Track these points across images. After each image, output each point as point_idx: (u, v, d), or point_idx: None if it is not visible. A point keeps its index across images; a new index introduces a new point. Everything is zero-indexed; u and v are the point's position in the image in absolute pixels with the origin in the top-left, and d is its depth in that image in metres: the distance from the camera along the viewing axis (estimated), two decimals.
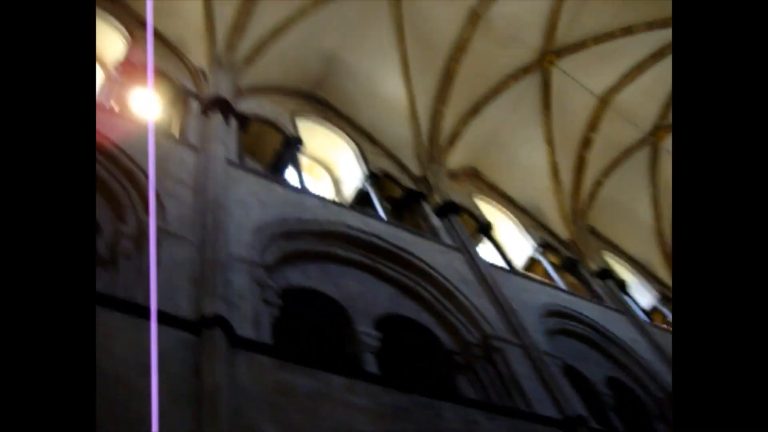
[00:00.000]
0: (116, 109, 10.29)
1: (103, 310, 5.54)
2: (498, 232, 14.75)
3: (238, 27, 12.74)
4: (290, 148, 12.51)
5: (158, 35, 12.77)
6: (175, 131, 10.69)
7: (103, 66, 12.15)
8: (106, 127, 8.57)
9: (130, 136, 8.79)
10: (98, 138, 8.25)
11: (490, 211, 15.54)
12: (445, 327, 9.44)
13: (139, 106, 11.16)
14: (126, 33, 12.35)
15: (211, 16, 12.54)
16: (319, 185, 13.59)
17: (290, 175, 11.96)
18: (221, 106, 11.01)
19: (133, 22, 12.64)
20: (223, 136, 10.31)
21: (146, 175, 8.07)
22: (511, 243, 15.09)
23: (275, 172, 11.97)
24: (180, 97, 11.69)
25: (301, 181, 11.52)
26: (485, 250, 13.26)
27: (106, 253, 7.04)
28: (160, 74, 11.89)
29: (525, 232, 15.50)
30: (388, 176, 13.85)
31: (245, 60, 12.93)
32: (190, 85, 12.06)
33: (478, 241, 13.73)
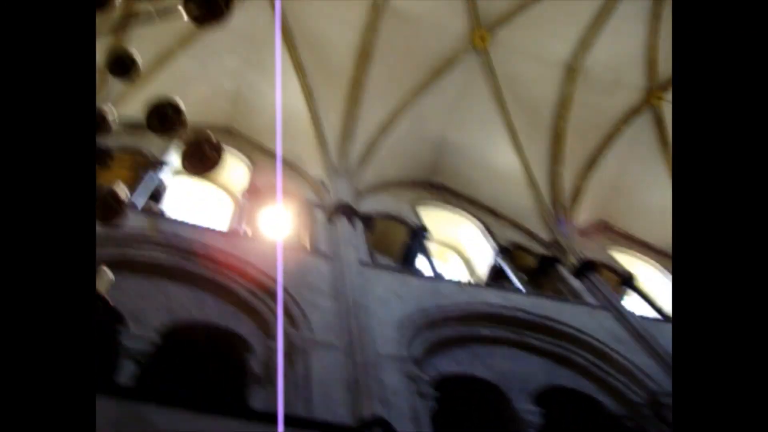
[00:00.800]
0: (249, 232, 10.99)
1: (266, 427, 5.78)
2: (641, 282, 14.10)
3: (347, 133, 13.42)
4: (417, 238, 12.74)
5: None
6: (306, 243, 11.21)
7: (231, 194, 13.07)
8: (242, 251, 9.16)
9: (266, 256, 9.32)
10: (235, 262, 8.86)
11: (629, 260, 14.92)
12: (608, 391, 9.02)
13: (269, 225, 11.83)
14: (248, 161, 13.30)
15: (320, 128, 13.33)
16: (451, 268, 13.65)
17: (421, 264, 12.13)
18: (344, 211, 11.50)
19: (253, 150, 13.65)
20: (352, 239, 10.72)
21: (286, 291, 8.49)
22: (657, 290, 14.35)
23: (406, 264, 12.19)
24: (305, 209, 12.30)
25: (434, 269, 11.64)
26: (632, 303, 12.68)
27: (261, 371, 7.37)
28: (284, 191, 12.61)
29: (670, 276, 14.71)
30: (518, 247, 13.71)
31: (359, 162, 13.51)
32: (312, 196, 12.69)
33: (622, 295, 13.18)
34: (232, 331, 8.00)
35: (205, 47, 13.08)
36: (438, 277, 11.02)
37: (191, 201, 12.34)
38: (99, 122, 3.45)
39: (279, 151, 13.24)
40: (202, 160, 2.97)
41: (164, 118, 3.07)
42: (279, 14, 12.95)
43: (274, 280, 8.69)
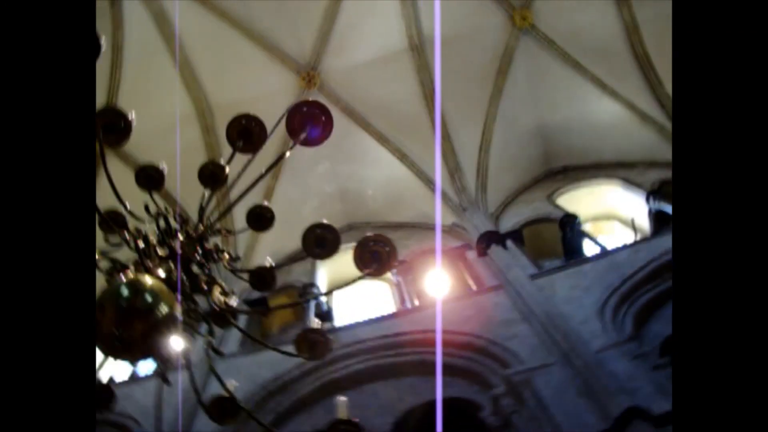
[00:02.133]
0: (416, 303, 11.19)
1: None
2: None
3: (454, 171, 13.58)
4: (569, 226, 12.47)
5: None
6: (473, 286, 11.24)
7: (384, 280, 13.36)
8: (420, 324, 9.37)
9: (443, 317, 9.47)
10: (422, 336, 9.06)
11: None
12: None
13: (431, 288, 11.98)
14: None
15: (429, 181, 13.58)
16: (618, 236, 13.18)
17: (588, 248, 11.84)
18: (490, 238, 11.50)
19: (380, 231, 14.01)
20: (511, 260, 10.67)
21: (481, 338, 8.56)
22: None
23: (573, 255, 11.93)
24: (454, 258, 12.38)
25: (601, 246, 11.34)
26: None
27: (497, 421, 7.40)
28: (427, 252, 12.79)
29: None
30: (665, 182, 13.07)
31: (479, 190, 13.57)
32: (455, 242, 12.78)
33: None
34: (456, 398, 8.11)
35: (293, 169, 13.76)
36: (608, 252, 10.69)
37: (351, 305, 12.73)
38: (269, 280, 3.77)
39: (438, 219, 13.42)
40: (374, 258, 3.13)
41: (322, 241, 3.30)
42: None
43: (467, 334, 8.79)
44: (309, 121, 3.38)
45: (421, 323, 9.44)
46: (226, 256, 3.62)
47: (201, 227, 3.51)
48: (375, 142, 13.92)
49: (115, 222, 3.33)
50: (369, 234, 3.19)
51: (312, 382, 9.06)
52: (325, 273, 13.40)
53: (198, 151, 13.31)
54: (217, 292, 3.32)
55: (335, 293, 12.59)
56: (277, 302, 11.95)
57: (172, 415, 8.68)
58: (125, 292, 2.57)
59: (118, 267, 2.99)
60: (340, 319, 11.51)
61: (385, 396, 8.49)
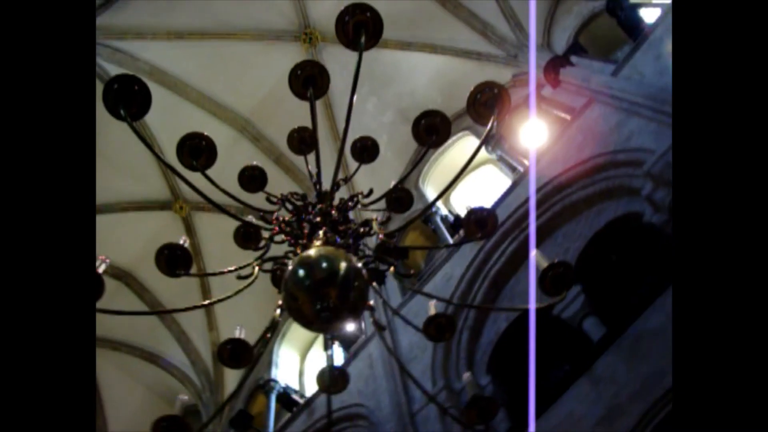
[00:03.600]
0: (526, 163, 11.09)
1: None
2: None
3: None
4: (618, 8, 11.88)
5: None
6: (566, 115, 10.96)
7: (486, 162, 13.30)
8: (545, 175, 9.32)
9: (561, 157, 9.39)
10: (558, 180, 8.99)
11: None
12: None
13: (528, 141, 11.76)
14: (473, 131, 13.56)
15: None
16: None
17: (647, 16, 11.28)
18: (555, 65, 11.14)
19: None
20: (585, 73, 10.39)
21: (602, 154, 8.46)
22: None
23: (636, 31, 11.37)
24: (537, 102, 12.09)
25: (657, 5, 10.73)
26: None
27: (662, 218, 7.34)
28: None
29: None
30: None
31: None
32: (525, 90, 12.49)
33: None
34: (613, 221, 8.12)
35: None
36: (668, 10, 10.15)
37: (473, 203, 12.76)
38: (406, 201, 3.86)
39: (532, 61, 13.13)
40: (489, 106, 3.16)
41: (433, 128, 3.38)
42: None
43: (588, 159, 8.72)
44: None
45: (546, 173, 9.40)
46: (360, 196, 3.80)
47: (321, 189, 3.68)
48: (401, 53, 13.75)
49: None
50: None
51: (480, 283, 9.35)
52: (432, 191, 13.58)
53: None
54: (376, 229, 3.51)
55: (458, 206, 12.75)
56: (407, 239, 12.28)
57: (386, 386, 9.20)
58: (302, 272, 2.77)
59: (278, 263, 3.24)
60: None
61: (552, 253, 8.61)
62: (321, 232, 3.21)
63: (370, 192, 3.93)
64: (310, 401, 11.34)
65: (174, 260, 3.50)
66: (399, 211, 4.06)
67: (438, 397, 8.25)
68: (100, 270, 3.09)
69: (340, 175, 3.72)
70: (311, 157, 3.91)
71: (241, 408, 13.59)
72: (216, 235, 15.19)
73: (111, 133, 14.77)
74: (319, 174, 3.66)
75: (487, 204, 10.89)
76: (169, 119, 14.13)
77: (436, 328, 3.79)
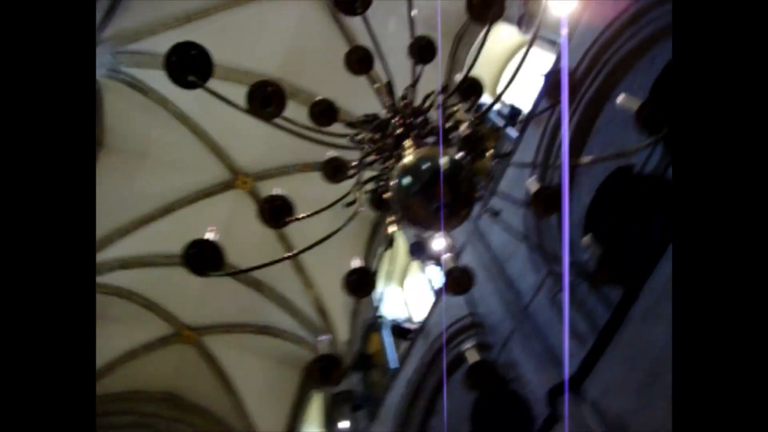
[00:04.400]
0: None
1: None
2: None
3: None
4: None
5: None
6: None
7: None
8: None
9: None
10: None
11: None
12: None
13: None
14: None
15: None
16: None
17: None
18: None
19: None
20: None
21: None
22: None
23: None
24: None
25: None
26: None
27: None
28: None
29: None
30: None
31: None
32: None
33: None
34: None
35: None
36: None
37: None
38: (478, 87, 3.80)
39: None
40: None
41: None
42: None
43: None
44: None
45: (587, 37, 9.03)
46: (433, 95, 3.79)
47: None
48: None
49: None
50: None
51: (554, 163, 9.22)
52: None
53: None
54: (461, 116, 3.52)
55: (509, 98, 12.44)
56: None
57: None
58: (407, 179, 2.81)
59: (380, 187, 3.29)
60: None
61: (614, 113, 8.38)
62: (408, 141, 3.23)
63: (444, 88, 3.89)
64: (422, 325, 11.59)
65: (277, 210, 3.58)
66: (471, 94, 4.01)
67: (544, 285, 8.31)
68: (214, 237, 3.20)
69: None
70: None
71: (359, 350, 14.06)
72: None
73: (155, 136, 15.10)
74: (390, 84, 3.65)
75: (536, 83, 10.63)
76: (206, 99, 14.21)
77: (545, 202, 3.76)
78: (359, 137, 3.68)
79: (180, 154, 15.34)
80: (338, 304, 16.29)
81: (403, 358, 11.98)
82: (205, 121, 14.90)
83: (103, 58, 12.69)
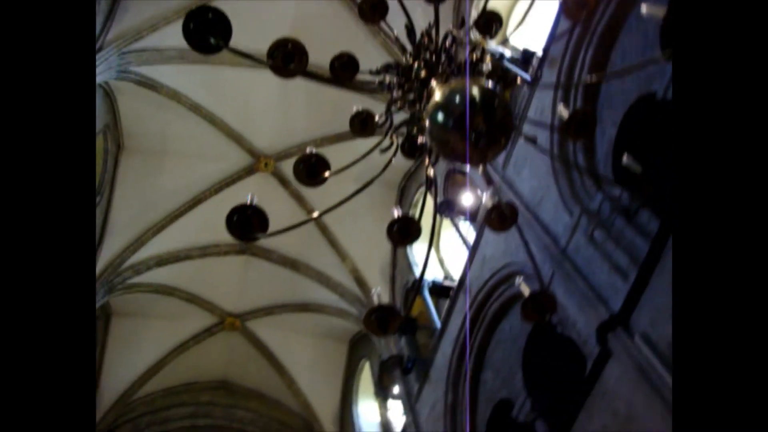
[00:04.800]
0: None
1: None
2: None
3: None
4: None
5: None
6: None
7: None
8: None
9: None
10: None
11: None
12: None
13: None
14: None
15: None
16: None
17: None
18: None
19: None
20: None
21: None
22: None
23: None
24: None
25: None
26: None
27: None
28: None
29: None
30: None
31: None
32: None
33: None
34: None
35: None
36: None
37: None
38: (496, 21, 3.79)
39: None
40: None
41: None
42: None
43: None
44: None
45: None
46: (453, 31, 3.77)
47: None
48: None
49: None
50: None
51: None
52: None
53: None
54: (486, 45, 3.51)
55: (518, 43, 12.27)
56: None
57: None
58: (441, 116, 2.82)
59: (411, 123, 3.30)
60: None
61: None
62: (434, 81, 3.22)
63: (462, 23, 3.86)
64: (461, 281, 11.64)
65: (312, 168, 3.62)
66: (491, 35, 3.97)
67: (579, 225, 8.27)
68: (253, 201, 3.23)
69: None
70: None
71: (402, 315, 14.15)
72: None
73: (173, 130, 15.20)
74: (411, 24, 3.63)
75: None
76: (216, 88, 14.32)
77: (576, 127, 3.73)
78: (386, 81, 3.67)
79: (200, 146, 15.44)
80: (375, 272, 16.42)
81: (447, 317, 12.06)
82: (220, 109, 14.94)
83: (110, 60, 12.75)
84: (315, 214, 4.36)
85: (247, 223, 3.42)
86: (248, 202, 3.48)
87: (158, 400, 18.96)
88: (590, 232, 8.00)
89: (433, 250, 15.07)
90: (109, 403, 17.67)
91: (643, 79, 7.76)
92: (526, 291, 4.10)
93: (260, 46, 12.37)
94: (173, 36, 13.27)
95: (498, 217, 3.95)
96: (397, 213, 3.72)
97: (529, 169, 9.84)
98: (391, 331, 3.46)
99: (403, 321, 3.70)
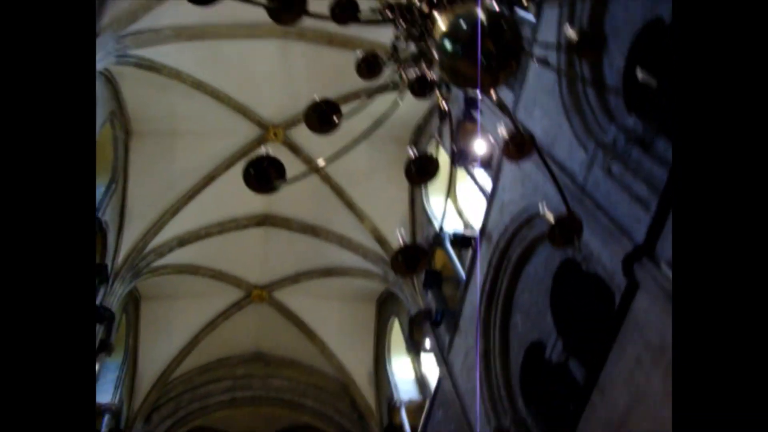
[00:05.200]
0: None
1: None
2: None
3: None
4: None
5: None
6: None
7: None
8: None
9: None
10: None
11: None
12: None
13: None
14: None
15: None
16: None
17: None
18: None
19: None
20: None
21: None
22: None
23: None
24: None
25: None
26: None
27: None
28: None
29: None
30: None
31: None
32: None
33: None
34: None
35: None
36: None
37: None
38: None
39: None
40: None
41: None
42: None
43: None
44: None
45: None
46: None
47: None
48: None
49: None
50: None
51: None
52: None
53: None
54: None
55: None
56: None
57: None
58: (449, 44, 2.78)
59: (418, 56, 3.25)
60: None
61: None
62: (436, 12, 3.16)
63: None
64: (482, 229, 11.62)
65: (324, 115, 3.62)
66: None
67: (596, 160, 8.19)
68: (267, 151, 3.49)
69: None
70: None
71: (427, 269, 14.20)
72: (319, 142, 15.44)
73: (179, 110, 15.16)
74: None
75: None
76: (217, 63, 14.23)
77: (586, 45, 3.66)
78: (389, 13, 3.61)
79: (207, 123, 15.41)
80: (394, 229, 16.40)
81: (471, 266, 12.08)
82: (222, 83, 14.85)
83: (107, 46, 12.65)
84: (321, 162, 4.34)
85: (265, 175, 3.44)
86: (264, 153, 3.50)
87: (196, 377, 19.31)
88: (607, 165, 7.91)
89: (450, 202, 15.12)
90: (149, 385, 18.02)
91: (648, 4, 7.58)
92: (550, 217, 4.08)
93: (255, 17, 12.28)
94: (168, 14, 13.16)
95: (516, 147, 3.91)
96: (412, 153, 3.69)
97: (539, 109, 9.72)
98: (421, 269, 3.48)
99: (428, 256, 3.73)
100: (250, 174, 3.41)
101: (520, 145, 3.99)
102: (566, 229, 4.06)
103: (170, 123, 15.43)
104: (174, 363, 18.56)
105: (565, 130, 8.94)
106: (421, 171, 3.58)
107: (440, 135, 14.17)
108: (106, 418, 15.54)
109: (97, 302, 13.39)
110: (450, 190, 15.37)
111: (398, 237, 3.56)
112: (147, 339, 18.25)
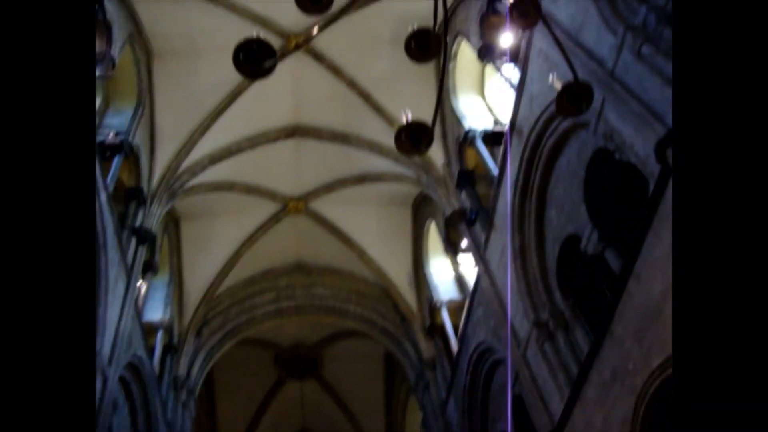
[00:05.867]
0: None
1: None
2: None
3: None
4: None
5: None
6: None
7: None
8: None
9: None
10: None
11: None
12: None
13: None
14: None
15: None
16: None
17: None
18: None
19: None
20: None
21: None
22: None
23: None
24: None
25: None
26: None
27: None
28: None
29: None
30: None
31: None
32: None
33: None
34: None
35: None
36: None
37: None
38: None
39: None
40: None
41: None
42: None
43: None
44: None
45: None
46: None
47: None
48: None
49: None
50: None
51: None
52: None
53: None
54: None
55: None
56: None
57: None
58: None
59: None
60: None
61: None
62: None
63: None
64: (512, 123, 11.39)
65: None
66: None
67: (625, 43, 7.85)
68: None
69: None
70: None
71: (459, 169, 14.10)
72: (342, 49, 15.18)
73: (198, 27, 14.91)
74: None
75: None
76: (221, 33, 13.96)
77: None
78: None
79: (227, 36, 15.10)
80: None
81: (503, 162, 11.94)
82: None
83: None
84: (315, 31, 4.27)
85: (255, 58, 3.40)
86: (254, 36, 3.45)
87: (240, 291, 19.86)
88: (637, 48, 7.59)
89: (480, 99, 14.79)
90: (196, 301, 18.61)
91: None
92: (558, 84, 3.97)
93: None
94: None
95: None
96: (411, 28, 3.64)
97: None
98: (425, 145, 3.47)
99: (432, 134, 3.74)
100: (239, 59, 3.35)
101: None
102: (575, 96, 3.95)
103: (190, 40, 15.21)
104: (218, 278, 19.06)
105: (592, 14, 8.56)
106: (421, 46, 3.51)
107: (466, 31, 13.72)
108: (160, 333, 16.18)
109: (137, 224, 13.67)
110: (477, 89, 15.04)
111: (402, 116, 3.55)
112: (190, 257, 18.70)
